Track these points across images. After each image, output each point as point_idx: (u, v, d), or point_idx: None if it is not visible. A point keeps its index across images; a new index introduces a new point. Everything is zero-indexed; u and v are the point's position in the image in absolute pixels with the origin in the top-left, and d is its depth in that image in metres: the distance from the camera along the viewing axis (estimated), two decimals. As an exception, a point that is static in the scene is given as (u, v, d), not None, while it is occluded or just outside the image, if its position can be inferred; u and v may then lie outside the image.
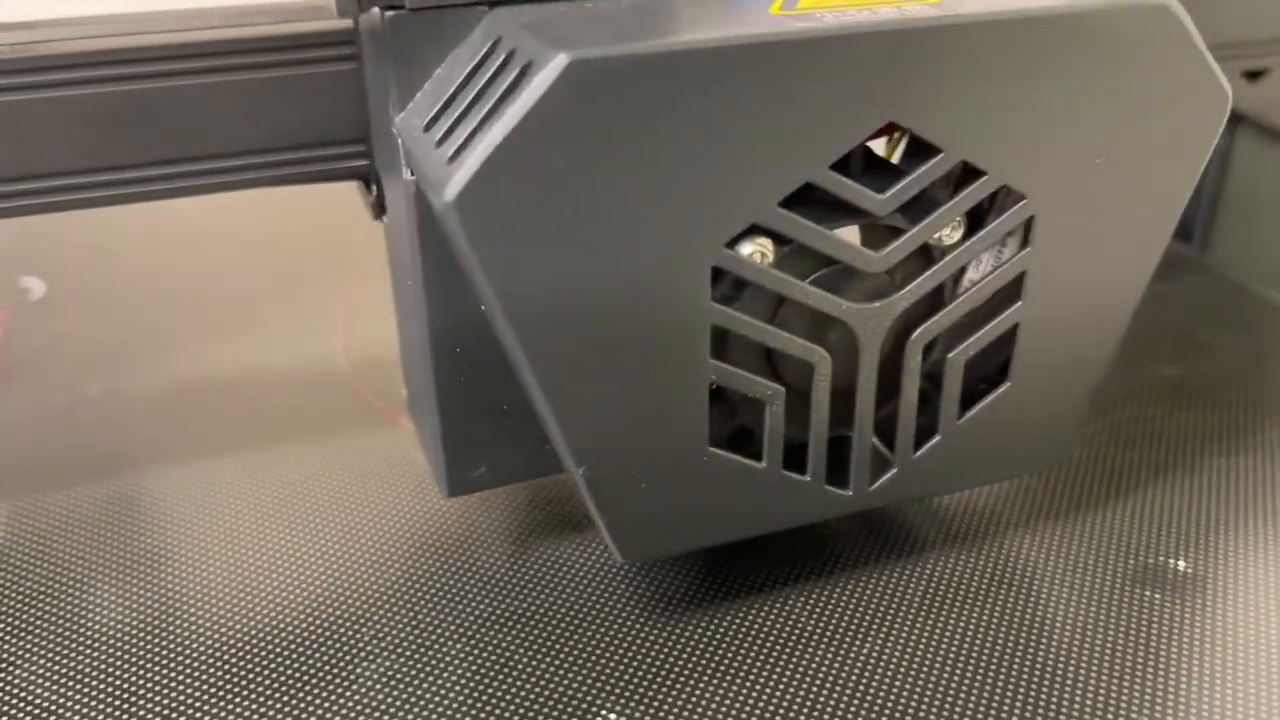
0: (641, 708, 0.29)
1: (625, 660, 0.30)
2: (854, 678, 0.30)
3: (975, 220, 0.30)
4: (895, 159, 0.30)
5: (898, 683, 0.29)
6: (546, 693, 0.29)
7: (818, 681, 0.30)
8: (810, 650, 0.31)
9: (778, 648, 0.31)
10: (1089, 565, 0.33)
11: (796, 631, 0.31)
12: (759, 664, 0.30)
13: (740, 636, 0.31)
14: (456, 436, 0.31)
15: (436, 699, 0.29)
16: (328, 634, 0.31)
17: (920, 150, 0.28)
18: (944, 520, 0.35)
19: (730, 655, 0.31)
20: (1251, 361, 0.44)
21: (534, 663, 0.30)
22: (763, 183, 0.26)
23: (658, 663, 0.30)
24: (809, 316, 0.29)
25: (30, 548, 0.35)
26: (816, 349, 0.29)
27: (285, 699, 0.29)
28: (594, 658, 0.30)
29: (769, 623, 0.32)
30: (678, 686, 0.29)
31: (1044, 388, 0.32)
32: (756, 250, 0.28)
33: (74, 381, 0.44)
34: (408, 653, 0.31)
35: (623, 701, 0.29)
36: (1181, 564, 0.33)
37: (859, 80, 0.26)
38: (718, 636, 0.31)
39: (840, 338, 0.30)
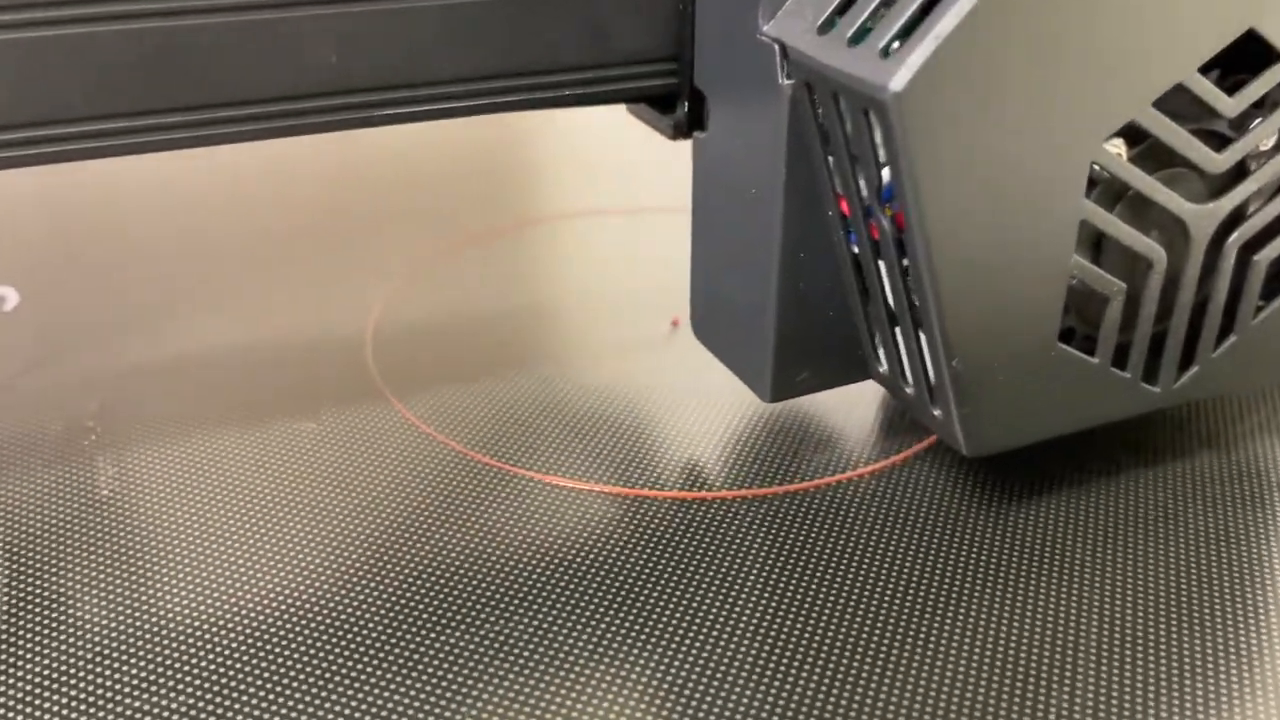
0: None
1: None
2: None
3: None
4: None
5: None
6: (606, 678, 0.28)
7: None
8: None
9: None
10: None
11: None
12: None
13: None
14: (787, 343, 0.32)
15: (459, 681, 0.28)
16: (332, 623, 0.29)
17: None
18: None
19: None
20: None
21: (595, 640, 0.29)
22: (1145, 82, 0.28)
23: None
24: (1135, 216, 0.31)
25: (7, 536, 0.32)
26: (1157, 247, 0.31)
27: (300, 696, 0.27)
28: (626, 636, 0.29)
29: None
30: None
31: (1325, 290, 0.34)
32: (1115, 150, 0.29)
33: (68, 399, 0.39)
34: (427, 636, 0.29)
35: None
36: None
37: (1238, -16, 0.28)
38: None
39: (1162, 238, 0.31)
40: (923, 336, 0.30)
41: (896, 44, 0.26)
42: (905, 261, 0.29)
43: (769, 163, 0.30)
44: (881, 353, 0.33)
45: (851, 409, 0.38)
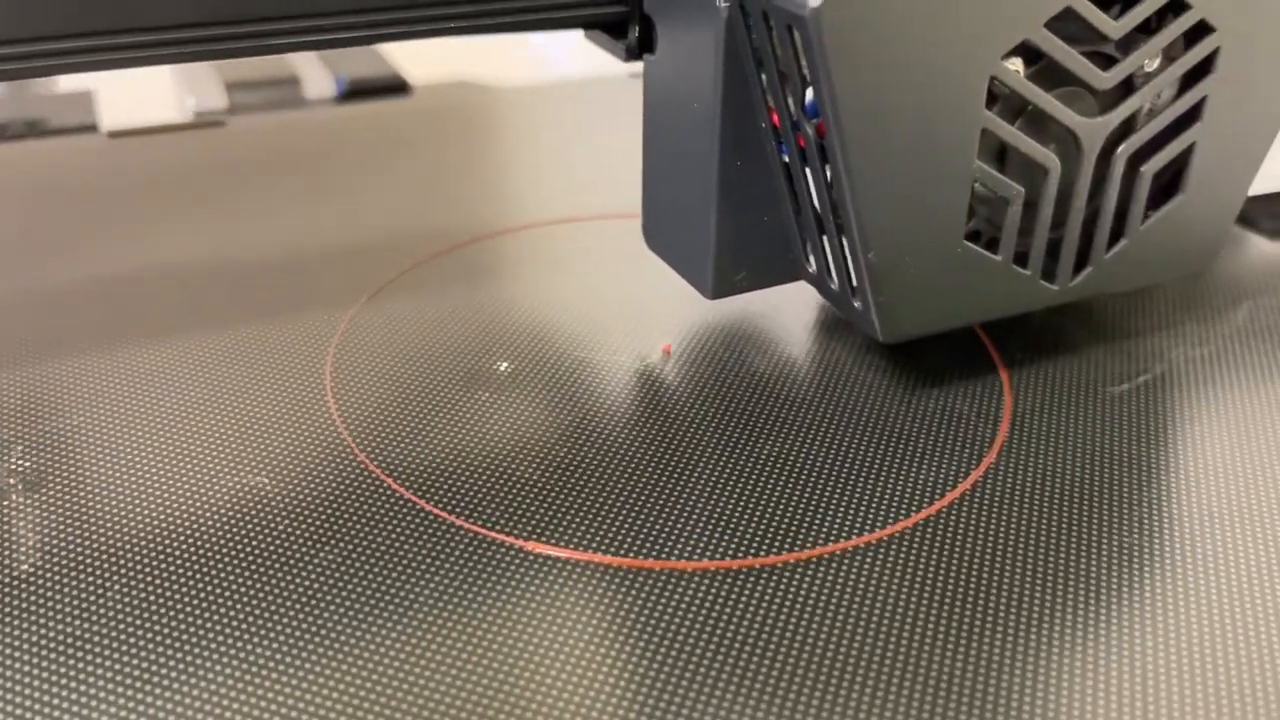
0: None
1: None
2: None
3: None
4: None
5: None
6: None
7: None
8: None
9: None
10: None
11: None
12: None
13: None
14: (726, 244, 0.36)
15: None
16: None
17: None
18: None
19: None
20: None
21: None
22: (1037, 5, 0.32)
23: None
24: (1035, 129, 0.35)
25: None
26: (1052, 155, 0.34)
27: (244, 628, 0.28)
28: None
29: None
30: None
31: (1207, 200, 0.38)
32: (1013, 68, 0.33)
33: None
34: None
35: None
36: None
37: (1118, -82, 0.31)
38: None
39: (1059, 150, 0.35)
40: (844, 236, 0.34)
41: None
42: (827, 168, 0.33)
43: (709, 80, 0.34)
44: (810, 254, 0.37)
45: (872, 463, 0.35)
